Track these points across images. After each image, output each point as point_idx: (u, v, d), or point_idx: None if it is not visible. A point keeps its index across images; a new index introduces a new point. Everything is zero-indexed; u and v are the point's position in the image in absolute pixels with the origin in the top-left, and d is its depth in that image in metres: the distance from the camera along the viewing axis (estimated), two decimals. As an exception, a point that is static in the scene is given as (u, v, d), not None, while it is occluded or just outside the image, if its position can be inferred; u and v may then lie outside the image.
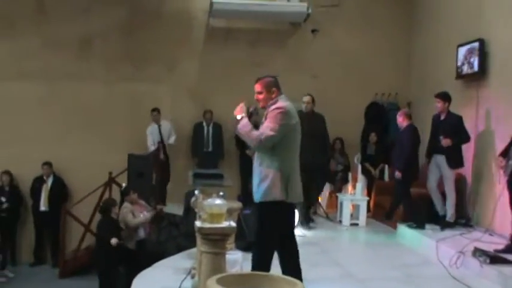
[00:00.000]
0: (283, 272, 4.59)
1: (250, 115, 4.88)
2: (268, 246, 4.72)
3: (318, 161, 8.49)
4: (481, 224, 7.92)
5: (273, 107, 4.68)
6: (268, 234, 4.65)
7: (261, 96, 4.81)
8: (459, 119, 7.81)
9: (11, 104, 10.87)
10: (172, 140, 10.81)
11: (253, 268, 4.58)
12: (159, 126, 10.69)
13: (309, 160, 7.62)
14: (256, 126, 4.77)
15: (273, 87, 4.78)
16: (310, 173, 7.64)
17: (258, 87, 4.83)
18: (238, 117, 4.67)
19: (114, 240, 8.11)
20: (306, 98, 8.75)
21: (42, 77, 10.89)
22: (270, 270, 4.58)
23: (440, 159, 7.81)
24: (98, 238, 8.73)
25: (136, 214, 8.54)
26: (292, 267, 4.73)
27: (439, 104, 7.82)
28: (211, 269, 3.74)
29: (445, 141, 7.70)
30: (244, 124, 4.65)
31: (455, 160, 7.76)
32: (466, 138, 7.83)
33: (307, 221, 8.70)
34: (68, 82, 10.95)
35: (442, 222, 7.82)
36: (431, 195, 8.01)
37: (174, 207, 9.76)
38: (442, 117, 7.89)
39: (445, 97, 7.81)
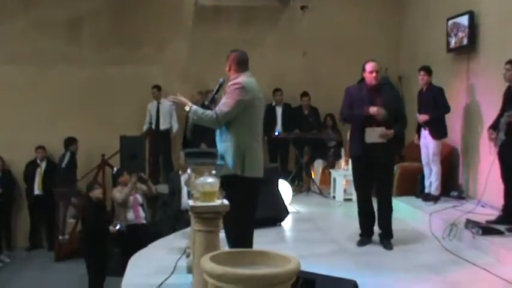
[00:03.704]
0: None
1: (219, 86, 4.91)
2: (241, 225, 4.60)
3: (380, 155, 6.01)
4: (473, 196, 7.99)
5: (231, 82, 4.71)
6: (236, 212, 4.23)
7: (226, 70, 4.87)
8: (440, 91, 7.91)
9: (0, 88, 10.79)
10: (174, 128, 10.82)
11: None
12: (158, 104, 10.69)
13: (361, 151, 6.11)
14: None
15: (230, 64, 4.79)
16: (368, 170, 6.12)
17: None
18: (187, 108, 4.63)
19: (112, 228, 8.18)
20: (370, 65, 6.16)
21: (32, 60, 10.80)
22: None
23: (425, 133, 7.92)
24: (82, 221, 8.82)
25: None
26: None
27: (425, 77, 7.94)
28: (204, 248, 3.74)
29: (422, 117, 7.87)
30: (194, 111, 4.63)
31: (437, 131, 7.86)
32: (446, 110, 7.90)
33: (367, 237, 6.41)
34: (58, 65, 10.87)
35: (425, 196, 7.96)
36: (424, 170, 8.09)
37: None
38: (424, 90, 8.02)
39: (429, 70, 7.97)
